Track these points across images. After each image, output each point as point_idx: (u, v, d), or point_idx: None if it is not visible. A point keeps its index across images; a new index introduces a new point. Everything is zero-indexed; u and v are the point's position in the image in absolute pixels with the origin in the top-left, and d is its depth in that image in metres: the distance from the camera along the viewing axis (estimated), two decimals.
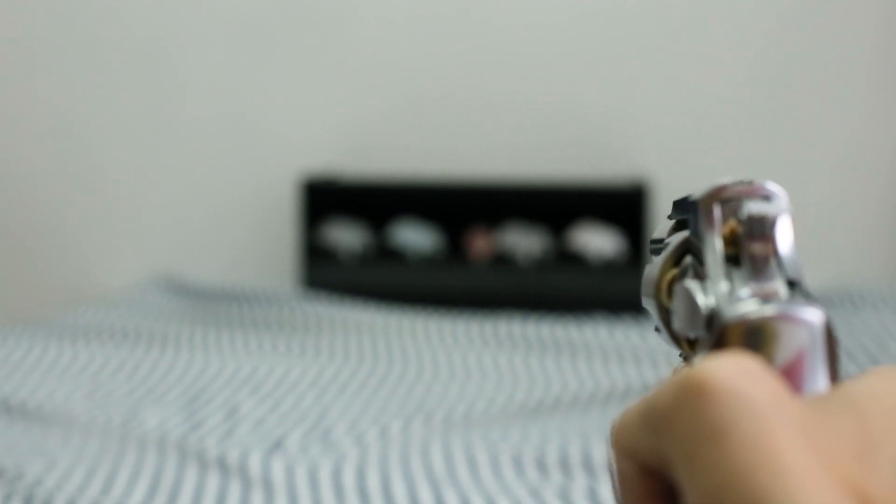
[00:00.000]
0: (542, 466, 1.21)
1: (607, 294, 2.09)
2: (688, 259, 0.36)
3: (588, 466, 1.20)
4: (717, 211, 0.34)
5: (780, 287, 0.33)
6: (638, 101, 2.30)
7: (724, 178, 0.36)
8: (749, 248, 0.34)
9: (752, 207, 0.34)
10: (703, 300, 0.33)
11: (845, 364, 1.57)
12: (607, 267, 2.11)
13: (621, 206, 2.17)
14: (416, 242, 2.17)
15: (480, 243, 2.18)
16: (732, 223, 0.34)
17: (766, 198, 0.34)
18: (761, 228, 0.34)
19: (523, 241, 2.15)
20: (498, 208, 2.24)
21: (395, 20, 2.33)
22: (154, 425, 1.33)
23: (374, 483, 1.15)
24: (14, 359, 1.66)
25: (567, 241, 2.17)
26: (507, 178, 2.27)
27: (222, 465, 1.19)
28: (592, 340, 1.78)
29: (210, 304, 2.06)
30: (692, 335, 0.34)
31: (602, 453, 1.23)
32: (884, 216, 2.29)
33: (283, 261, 2.37)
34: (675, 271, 0.36)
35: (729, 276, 0.33)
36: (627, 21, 2.30)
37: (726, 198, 0.34)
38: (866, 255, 2.30)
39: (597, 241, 2.12)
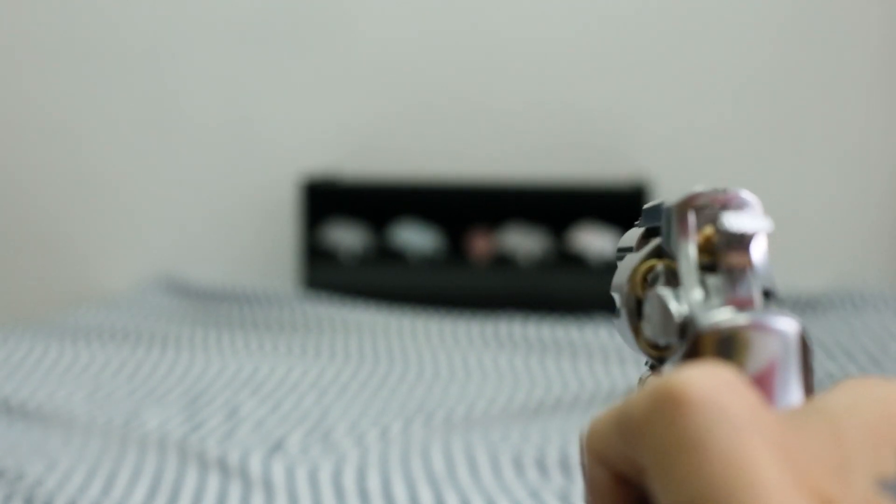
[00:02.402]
0: (542, 467, 1.21)
1: (608, 295, 2.08)
2: (659, 267, 0.35)
3: None
4: (691, 218, 0.34)
5: (755, 297, 0.33)
6: (638, 102, 2.30)
7: (698, 186, 0.35)
8: (726, 258, 0.33)
9: (732, 220, 0.34)
10: (677, 307, 0.33)
11: (846, 365, 1.56)
12: (608, 268, 2.11)
13: (622, 206, 2.17)
14: (417, 243, 2.17)
15: (481, 244, 2.18)
16: (707, 231, 0.34)
17: (741, 206, 0.34)
18: (739, 240, 0.34)
19: (524, 242, 2.15)
20: (498, 209, 2.24)
21: (395, 21, 2.33)
22: (155, 426, 1.33)
23: (374, 484, 1.15)
24: (15, 359, 1.66)
25: (567, 241, 2.17)
26: (507, 178, 2.27)
27: (223, 466, 1.19)
28: (593, 341, 1.78)
29: (211, 305, 2.06)
30: (663, 342, 0.34)
31: None
32: (885, 217, 2.29)
33: (283, 261, 2.37)
34: (652, 262, 0.36)
35: (703, 284, 0.33)
36: (628, 22, 2.30)
37: (700, 205, 0.34)
38: (868, 257, 2.30)
39: (597, 241, 2.12)
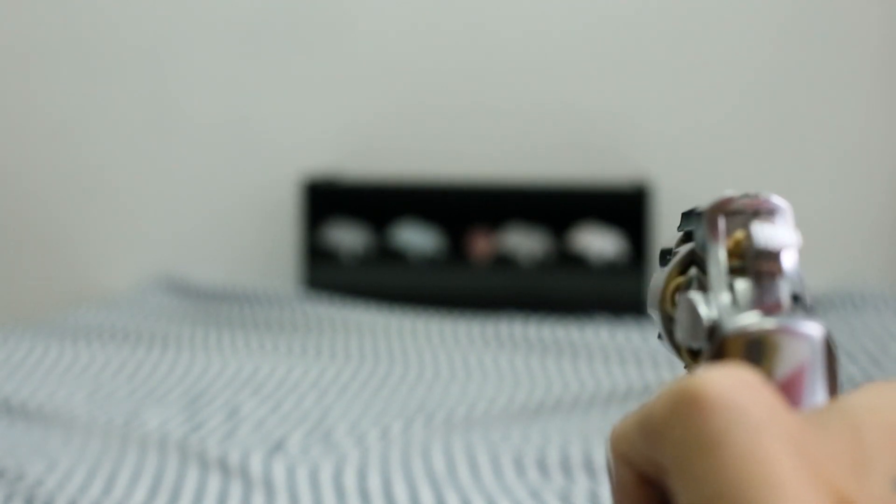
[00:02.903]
0: (543, 467, 1.21)
1: (608, 295, 2.09)
2: (692, 271, 0.36)
3: (589, 468, 1.20)
4: (721, 223, 0.35)
5: (783, 301, 0.33)
6: (640, 102, 2.30)
7: (729, 191, 0.36)
8: (756, 264, 0.34)
9: (761, 234, 0.34)
10: (706, 311, 0.33)
11: (846, 366, 1.56)
12: (608, 268, 2.11)
13: (623, 207, 2.17)
14: (418, 243, 2.17)
15: (482, 244, 2.18)
16: (738, 235, 0.35)
17: (772, 211, 0.35)
18: (769, 246, 0.34)
19: (525, 243, 2.15)
20: (499, 209, 2.24)
21: (396, 22, 2.33)
22: (155, 426, 1.33)
23: (375, 484, 1.15)
24: (15, 359, 1.66)
25: (568, 242, 2.17)
26: (508, 179, 2.27)
27: (223, 466, 1.19)
28: (593, 341, 1.77)
29: (211, 305, 2.06)
30: (695, 346, 0.34)
31: (603, 455, 1.23)
32: (885, 218, 2.29)
33: (284, 261, 2.37)
34: (680, 280, 0.36)
35: (732, 288, 0.34)
36: (630, 23, 2.30)
37: (732, 210, 0.35)
38: (868, 257, 2.30)
39: (598, 242, 2.12)
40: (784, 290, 0.33)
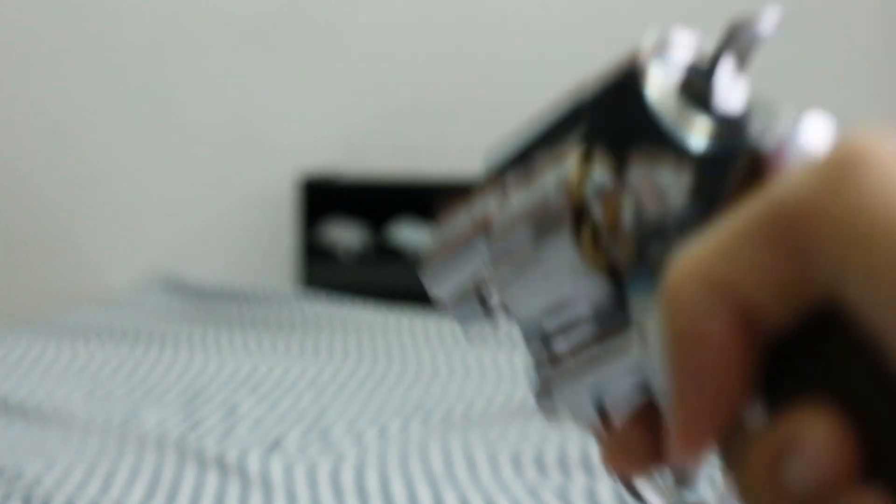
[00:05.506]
0: (540, 466, 1.21)
1: None
2: (598, 175, 0.31)
3: (587, 466, 1.20)
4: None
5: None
6: None
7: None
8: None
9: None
10: (698, 140, 0.29)
11: None
12: None
13: None
14: (416, 241, 2.17)
15: None
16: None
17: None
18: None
19: None
20: None
21: (395, 20, 2.33)
22: (153, 425, 1.33)
23: (372, 482, 1.15)
24: (13, 358, 1.66)
25: None
26: None
27: (221, 465, 1.19)
28: None
29: (209, 304, 2.06)
30: (677, 215, 0.28)
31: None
32: None
33: (282, 260, 2.37)
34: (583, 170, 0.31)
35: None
36: (630, 23, 2.30)
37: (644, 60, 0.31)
38: None
39: None
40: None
